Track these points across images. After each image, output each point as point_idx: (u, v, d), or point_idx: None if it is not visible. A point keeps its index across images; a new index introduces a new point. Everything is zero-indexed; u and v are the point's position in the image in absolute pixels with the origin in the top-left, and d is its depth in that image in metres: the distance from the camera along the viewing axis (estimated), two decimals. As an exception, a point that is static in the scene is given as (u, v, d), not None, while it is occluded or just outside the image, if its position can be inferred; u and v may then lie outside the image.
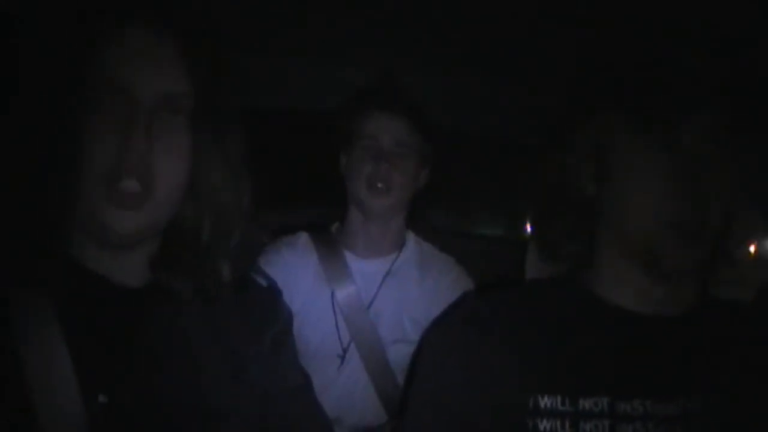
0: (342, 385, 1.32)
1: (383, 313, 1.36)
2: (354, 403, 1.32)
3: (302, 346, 1.29)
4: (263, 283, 0.88)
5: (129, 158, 0.65)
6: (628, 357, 0.75)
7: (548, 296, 0.83)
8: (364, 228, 1.41)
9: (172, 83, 0.68)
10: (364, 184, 1.34)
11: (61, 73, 0.64)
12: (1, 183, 0.64)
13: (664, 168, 0.72)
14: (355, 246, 1.42)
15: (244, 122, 0.76)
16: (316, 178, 1.94)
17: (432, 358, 0.82)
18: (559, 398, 0.72)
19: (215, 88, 0.71)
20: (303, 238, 1.44)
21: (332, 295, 1.36)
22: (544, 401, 0.72)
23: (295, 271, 1.38)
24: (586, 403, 0.72)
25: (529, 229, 2.06)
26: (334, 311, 1.35)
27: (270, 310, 0.86)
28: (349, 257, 1.40)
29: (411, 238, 1.47)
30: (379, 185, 1.33)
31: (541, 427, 0.71)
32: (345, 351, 1.34)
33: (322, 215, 1.59)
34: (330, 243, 1.42)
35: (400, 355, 1.33)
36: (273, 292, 0.90)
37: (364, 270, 1.40)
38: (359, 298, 1.36)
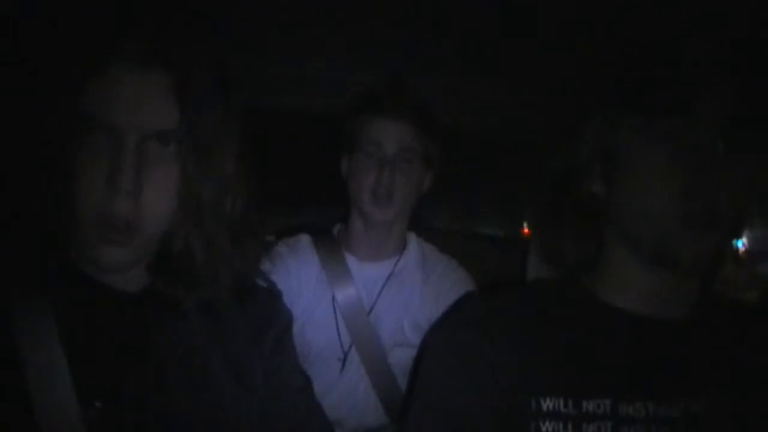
0: (343, 388, 1.32)
1: (384, 317, 1.36)
2: (355, 406, 1.32)
3: (304, 349, 1.29)
4: (263, 284, 0.88)
5: (117, 200, 0.65)
6: (630, 359, 0.74)
7: (550, 298, 0.83)
8: (365, 233, 1.40)
9: (161, 120, 0.67)
10: (367, 194, 1.33)
11: (49, 111, 0.63)
12: (2, 192, 0.64)
13: (671, 161, 0.72)
14: (357, 249, 1.41)
15: (246, 123, 0.76)
16: (318, 179, 1.94)
17: (434, 360, 0.82)
18: (561, 400, 0.72)
19: (205, 119, 0.70)
20: (304, 240, 1.43)
21: (333, 298, 1.36)
22: (547, 403, 0.72)
23: (297, 274, 1.37)
24: (588, 405, 0.72)
25: (526, 229, 2.06)
26: (335, 315, 1.35)
27: (270, 312, 0.86)
28: (351, 260, 1.40)
29: (413, 239, 1.46)
30: (383, 197, 1.31)
31: (544, 429, 0.71)
32: (346, 354, 1.33)
33: (324, 216, 1.59)
34: (331, 246, 1.42)
35: (400, 358, 1.33)
36: (273, 294, 0.89)
37: (366, 274, 1.39)
38: (360, 301, 1.36)
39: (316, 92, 1.52)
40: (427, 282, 1.40)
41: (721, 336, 0.77)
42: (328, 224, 1.49)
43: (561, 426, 0.71)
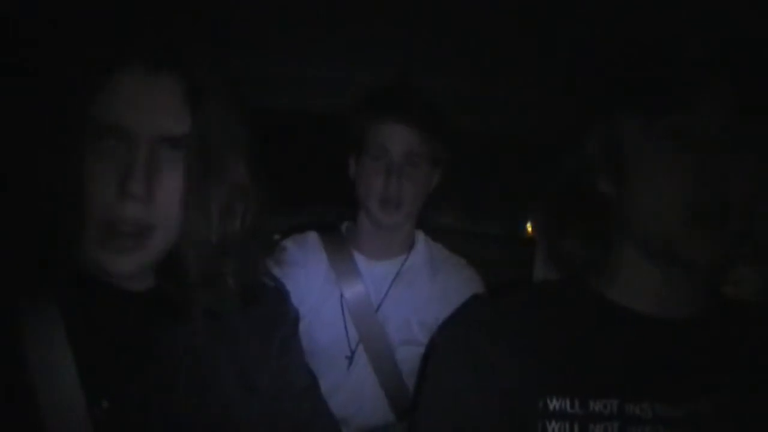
0: (350, 386, 1.32)
1: (392, 315, 1.36)
2: (362, 404, 1.32)
3: (311, 346, 1.29)
4: (270, 283, 0.88)
5: (128, 205, 0.65)
6: (638, 359, 0.74)
7: (558, 298, 0.83)
8: (374, 232, 1.39)
9: (173, 124, 0.68)
10: (375, 200, 1.32)
11: (62, 116, 0.63)
12: (10, 196, 0.63)
13: (675, 159, 0.72)
14: (365, 247, 1.41)
15: (252, 122, 0.76)
16: (318, 179, 1.94)
17: (441, 360, 0.82)
18: (568, 400, 0.72)
19: (216, 124, 0.70)
20: (312, 237, 1.43)
21: (341, 296, 1.36)
22: (554, 403, 0.72)
23: (305, 271, 1.37)
24: (595, 406, 0.72)
25: (529, 228, 2.06)
26: (343, 312, 1.35)
27: (277, 313, 0.86)
28: (359, 258, 1.40)
29: (421, 238, 1.45)
30: (391, 204, 1.30)
31: (550, 429, 0.71)
32: (353, 352, 1.33)
33: (325, 216, 1.59)
34: (339, 243, 1.41)
35: (408, 356, 1.33)
36: (280, 293, 0.89)
37: (374, 272, 1.39)
38: (368, 299, 1.35)
39: (316, 92, 1.52)
40: (435, 280, 1.40)
41: (730, 336, 0.77)
42: (334, 222, 1.49)
43: (567, 426, 0.71)
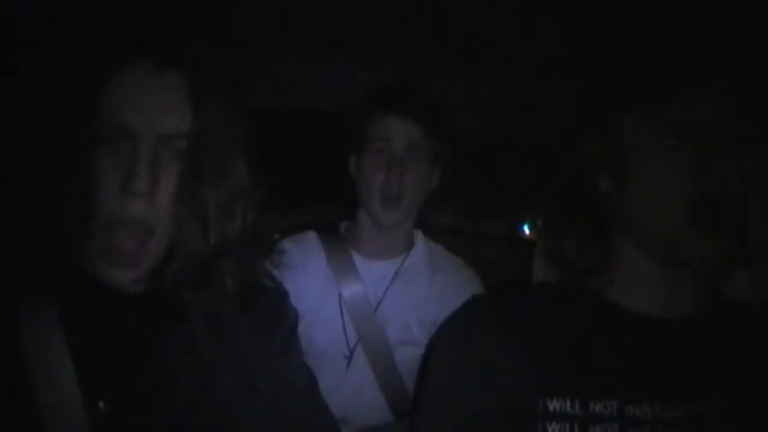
0: (349, 386, 1.32)
1: (391, 315, 1.36)
2: (361, 404, 1.32)
3: (309, 346, 1.29)
4: (269, 284, 0.88)
5: (131, 202, 0.65)
6: (637, 360, 0.74)
7: (558, 298, 0.83)
8: (373, 231, 1.40)
9: (176, 123, 0.68)
10: (376, 197, 1.32)
11: (65, 114, 0.63)
12: (12, 195, 0.63)
13: (675, 151, 0.72)
14: (364, 247, 1.41)
15: (251, 123, 0.76)
16: (318, 179, 1.94)
17: (441, 361, 0.82)
18: (568, 401, 0.72)
19: (217, 124, 0.70)
20: (311, 236, 1.43)
21: (339, 296, 1.36)
22: (554, 404, 0.72)
23: (304, 270, 1.37)
24: (595, 407, 0.72)
25: (526, 230, 2.06)
26: (342, 312, 1.35)
27: (277, 314, 0.86)
28: (357, 258, 1.40)
29: (420, 238, 1.46)
30: (392, 199, 1.31)
31: (550, 430, 0.71)
32: (352, 352, 1.33)
33: (325, 215, 1.58)
34: (338, 243, 1.42)
35: (406, 356, 1.33)
36: (279, 294, 0.89)
37: (372, 271, 1.39)
38: (367, 299, 1.36)
39: (316, 92, 1.52)
40: (434, 280, 1.40)
41: (729, 337, 0.77)
42: (334, 222, 1.49)
43: (567, 427, 0.71)
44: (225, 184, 0.72)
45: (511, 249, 1.88)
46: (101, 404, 0.66)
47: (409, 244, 1.44)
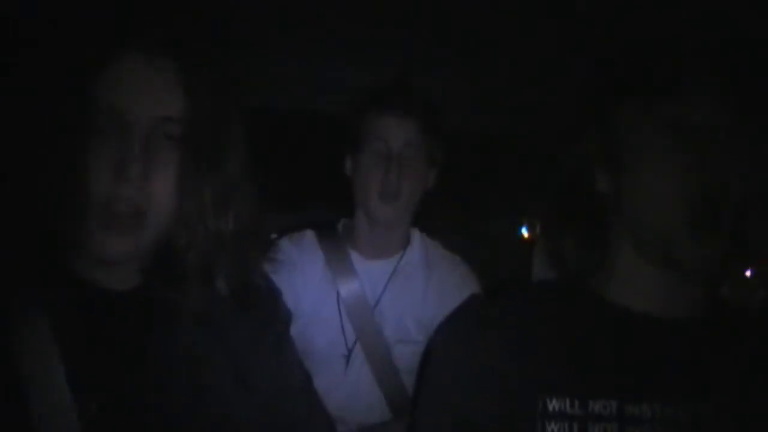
0: (347, 385, 1.32)
1: (388, 313, 1.36)
2: (359, 403, 1.32)
3: (307, 346, 1.29)
4: (262, 283, 0.87)
5: (125, 186, 0.65)
6: (637, 359, 0.74)
7: (556, 298, 0.82)
8: (370, 230, 1.40)
9: (169, 108, 0.68)
10: (374, 193, 1.33)
11: (59, 99, 0.63)
12: (1, 194, 0.63)
13: (672, 148, 0.72)
14: (361, 246, 1.41)
15: (251, 123, 0.76)
16: (318, 178, 1.94)
17: (441, 359, 0.82)
18: (567, 401, 0.72)
19: (211, 112, 0.70)
20: (308, 236, 1.43)
21: (337, 295, 1.36)
22: (553, 404, 0.72)
23: (302, 270, 1.37)
24: (595, 406, 0.71)
25: (525, 233, 2.06)
26: (340, 311, 1.35)
27: (270, 311, 0.86)
28: (355, 257, 1.40)
29: (416, 236, 1.46)
30: (390, 196, 1.31)
31: (550, 430, 0.71)
32: (350, 351, 1.34)
33: (325, 215, 1.58)
34: (336, 242, 1.42)
35: (404, 355, 1.33)
36: (272, 293, 0.89)
37: (370, 270, 1.39)
38: (365, 298, 1.36)
39: (316, 92, 1.52)
40: (431, 278, 1.40)
41: (728, 337, 0.77)
42: (331, 221, 1.49)
43: (567, 426, 0.71)
44: (219, 174, 0.71)
45: (512, 249, 1.88)
46: (93, 405, 0.66)
47: (406, 242, 1.44)
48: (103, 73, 0.65)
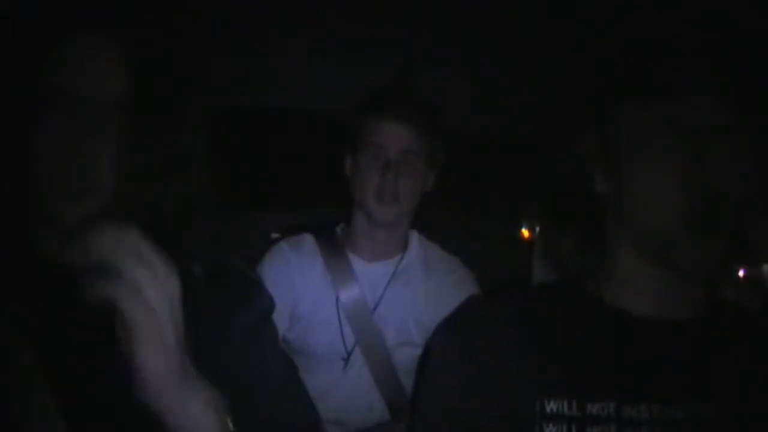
0: (346, 387, 1.32)
1: (389, 316, 1.36)
2: (358, 405, 1.32)
3: (306, 348, 1.29)
4: (238, 272, 0.87)
5: (74, 165, 0.66)
6: (635, 361, 0.74)
7: (554, 300, 0.82)
8: (369, 232, 1.40)
9: (114, 85, 0.70)
10: (371, 196, 1.33)
11: (10, 79, 0.65)
12: None
13: (672, 149, 0.71)
14: (360, 249, 1.41)
15: (252, 123, 0.76)
16: (318, 178, 1.94)
17: (439, 362, 0.82)
18: (565, 403, 0.72)
19: (155, 86, 0.72)
20: (307, 239, 1.43)
21: (337, 299, 1.35)
22: (551, 406, 0.72)
23: (301, 273, 1.37)
24: (592, 408, 0.71)
25: (524, 233, 2.06)
26: (339, 315, 1.35)
27: (243, 297, 0.85)
28: (354, 260, 1.40)
29: (415, 238, 1.46)
30: (387, 198, 1.31)
31: (547, 431, 0.71)
32: (349, 354, 1.33)
33: (325, 215, 1.59)
34: (335, 245, 1.42)
35: (404, 357, 1.33)
36: (248, 280, 0.88)
37: (370, 273, 1.39)
38: (364, 301, 1.36)
39: (316, 92, 1.52)
40: (430, 280, 1.40)
41: (727, 338, 0.77)
42: (331, 224, 1.49)
43: (565, 428, 0.71)
44: (163, 151, 0.73)
45: (512, 249, 1.88)
46: (80, 405, 0.65)
47: (405, 245, 1.44)
48: (52, 54, 0.67)
